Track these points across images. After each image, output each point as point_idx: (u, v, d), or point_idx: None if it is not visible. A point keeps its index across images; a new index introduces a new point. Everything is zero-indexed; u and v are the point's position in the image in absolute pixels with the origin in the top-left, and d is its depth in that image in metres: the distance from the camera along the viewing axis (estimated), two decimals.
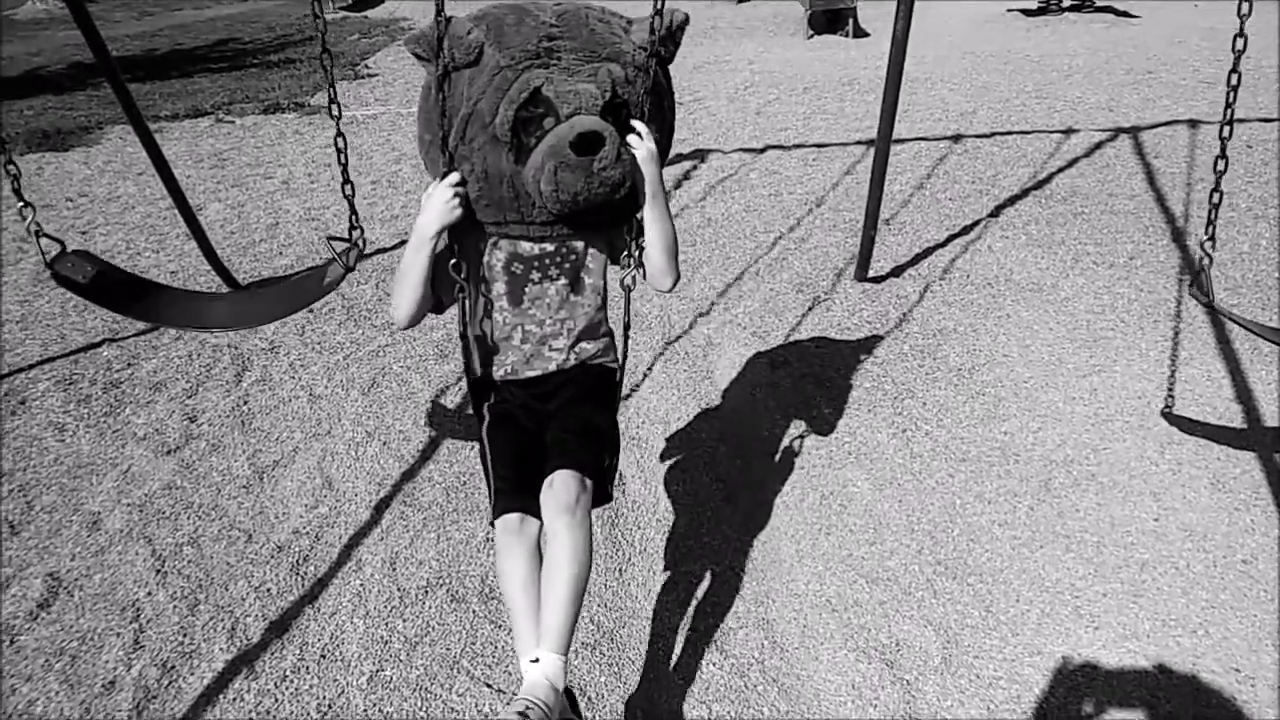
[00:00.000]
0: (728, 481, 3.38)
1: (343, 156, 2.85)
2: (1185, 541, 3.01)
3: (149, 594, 2.94)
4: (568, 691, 2.07)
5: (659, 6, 2.09)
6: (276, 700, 2.53)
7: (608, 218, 2.21)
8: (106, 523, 3.27)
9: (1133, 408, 3.67)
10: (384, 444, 3.65)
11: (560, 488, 2.09)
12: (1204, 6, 12.39)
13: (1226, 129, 2.98)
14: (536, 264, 2.23)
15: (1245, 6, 2.82)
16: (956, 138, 7.14)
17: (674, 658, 2.65)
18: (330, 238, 2.91)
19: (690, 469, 3.46)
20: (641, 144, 2.11)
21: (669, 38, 2.15)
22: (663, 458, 3.53)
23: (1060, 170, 6.34)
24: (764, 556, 3.03)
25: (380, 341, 4.44)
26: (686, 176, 6.70)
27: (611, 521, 3.19)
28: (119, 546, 3.15)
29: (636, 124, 2.11)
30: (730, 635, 2.72)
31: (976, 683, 2.53)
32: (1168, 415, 3.50)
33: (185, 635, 2.77)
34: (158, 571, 3.03)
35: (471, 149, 2.08)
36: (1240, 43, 2.86)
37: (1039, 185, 6.08)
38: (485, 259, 2.24)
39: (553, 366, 2.31)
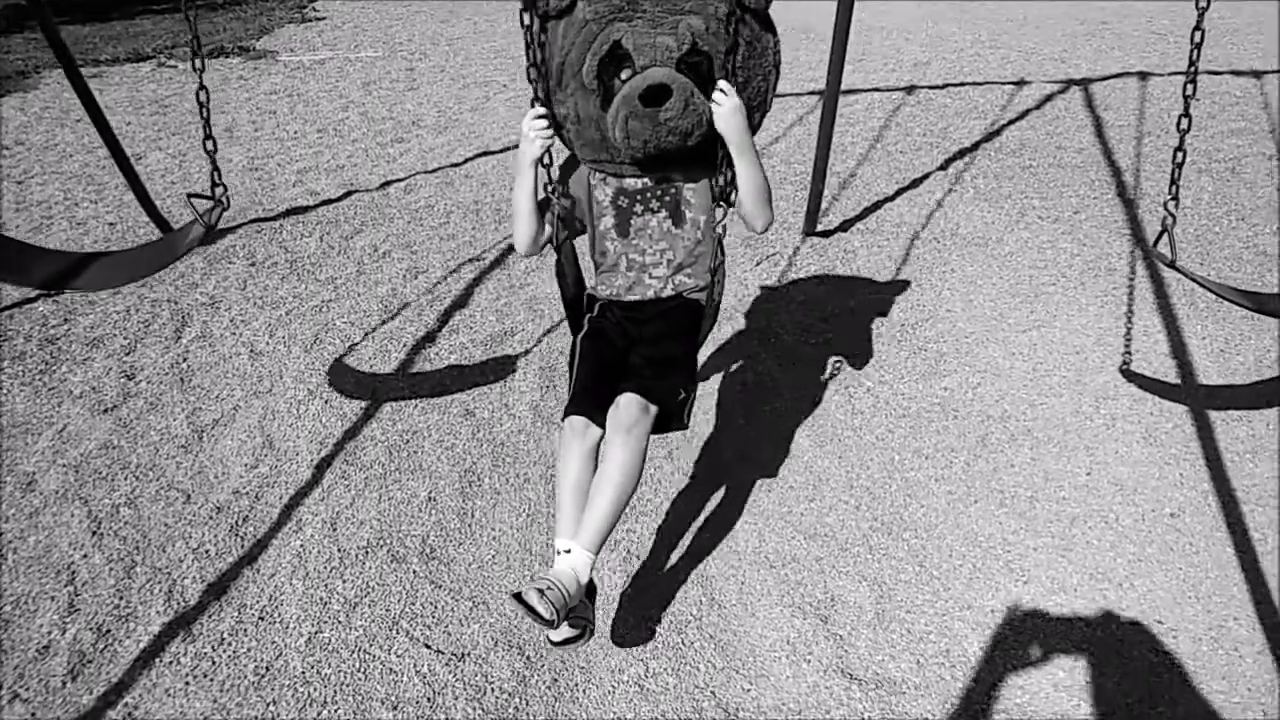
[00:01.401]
0: (671, 440, 3.39)
1: (204, 110, 2.85)
2: (1115, 495, 3.07)
3: (85, 556, 2.91)
4: (590, 587, 2.29)
5: None
6: (214, 663, 2.53)
7: (689, 162, 2.39)
8: (41, 483, 3.23)
9: (1070, 363, 3.72)
10: (326, 402, 3.62)
11: (624, 409, 2.29)
12: None
13: (1190, 86, 2.99)
14: (640, 198, 2.47)
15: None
16: (910, 89, 7.12)
17: (612, 616, 2.67)
18: (191, 195, 2.87)
19: None
20: (725, 99, 2.25)
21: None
22: None
23: (1011, 122, 6.35)
24: (704, 513, 3.06)
25: (324, 297, 4.38)
26: None
27: (553, 479, 3.19)
28: (54, 508, 3.12)
29: (721, 82, 2.25)
30: (669, 592, 2.75)
31: (908, 637, 2.58)
32: (1125, 372, 3.56)
33: (121, 598, 2.75)
34: (94, 533, 3.00)
35: (566, 94, 2.30)
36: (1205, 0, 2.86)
37: (989, 138, 6.09)
38: (594, 194, 2.49)
39: (651, 294, 2.54)
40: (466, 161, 6.09)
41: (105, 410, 3.61)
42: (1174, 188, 3.05)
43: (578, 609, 2.24)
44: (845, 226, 4.94)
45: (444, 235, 5.01)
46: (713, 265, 2.46)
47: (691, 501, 3.10)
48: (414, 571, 2.82)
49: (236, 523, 3.04)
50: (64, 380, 3.80)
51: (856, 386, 3.65)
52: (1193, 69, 2.93)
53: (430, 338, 4.05)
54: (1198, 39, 2.86)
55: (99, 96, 7.52)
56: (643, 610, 2.69)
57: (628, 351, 2.49)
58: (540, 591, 2.09)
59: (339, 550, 2.91)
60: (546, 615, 2.08)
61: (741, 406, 3.55)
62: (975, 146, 5.95)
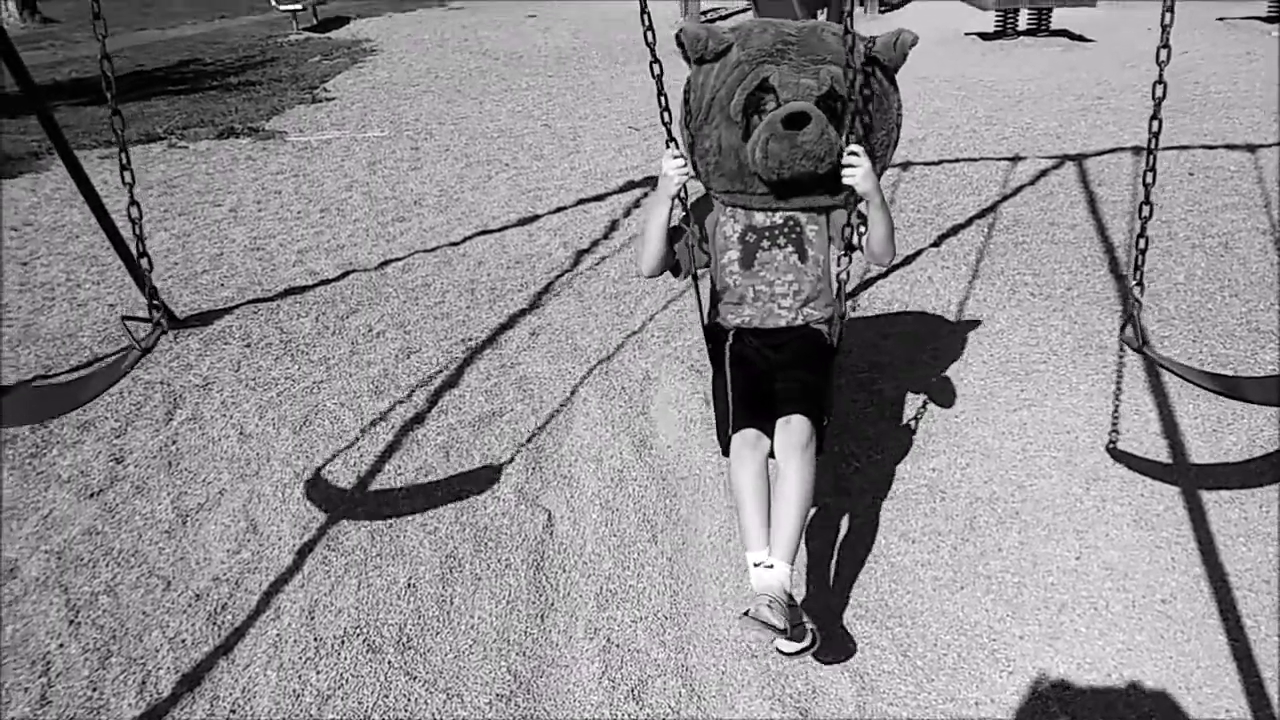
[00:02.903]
0: (655, 522, 3.37)
1: (137, 228, 2.84)
2: (1105, 580, 3.02)
3: (61, 646, 2.89)
4: (789, 596, 2.47)
5: (882, 35, 2.67)
6: None
7: (814, 193, 2.71)
8: (23, 570, 3.22)
9: (1060, 443, 3.69)
10: (312, 485, 3.61)
11: (796, 428, 2.56)
12: (1158, 30, 12.57)
13: (1150, 175, 3.01)
14: (767, 233, 2.80)
15: (1164, 54, 2.85)
16: (905, 165, 7.19)
17: (590, 709, 2.62)
18: (125, 318, 2.87)
19: (619, 509, 3.45)
20: (860, 160, 2.55)
21: (897, 54, 2.66)
22: (592, 498, 3.51)
23: (1005, 199, 6.40)
24: (688, 600, 3.02)
25: (316, 377, 4.41)
26: (637, 204, 6.71)
27: (536, 565, 3.17)
28: (34, 596, 3.10)
29: (853, 145, 2.56)
30: (649, 684, 2.70)
31: None
32: (1111, 450, 3.53)
33: (95, 689, 2.72)
34: (71, 622, 2.98)
35: (711, 126, 2.68)
36: (1160, 89, 2.89)
37: (983, 214, 6.13)
38: (720, 229, 2.84)
39: (783, 323, 2.87)
40: (465, 240, 6.16)
41: (91, 495, 3.61)
42: (1138, 273, 3.06)
43: (795, 619, 2.40)
44: None
45: (438, 314, 5.05)
46: (841, 311, 2.82)
47: (673, 586, 3.06)
48: (389, 662, 2.78)
49: (215, 610, 3.02)
50: (53, 464, 3.81)
51: (845, 466, 3.63)
52: (1151, 156, 2.96)
53: (419, 419, 4.05)
54: (1155, 127, 2.90)
55: (109, 177, 7.70)
56: (620, 704, 2.64)
57: (769, 375, 2.77)
58: (769, 605, 2.31)
59: (315, 639, 2.88)
60: (781, 625, 2.28)
61: (723, 486, 3.53)
62: (969, 223, 5.98)
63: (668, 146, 2.71)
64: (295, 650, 2.84)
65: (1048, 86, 9.91)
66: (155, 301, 2.84)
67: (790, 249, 2.81)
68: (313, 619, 2.96)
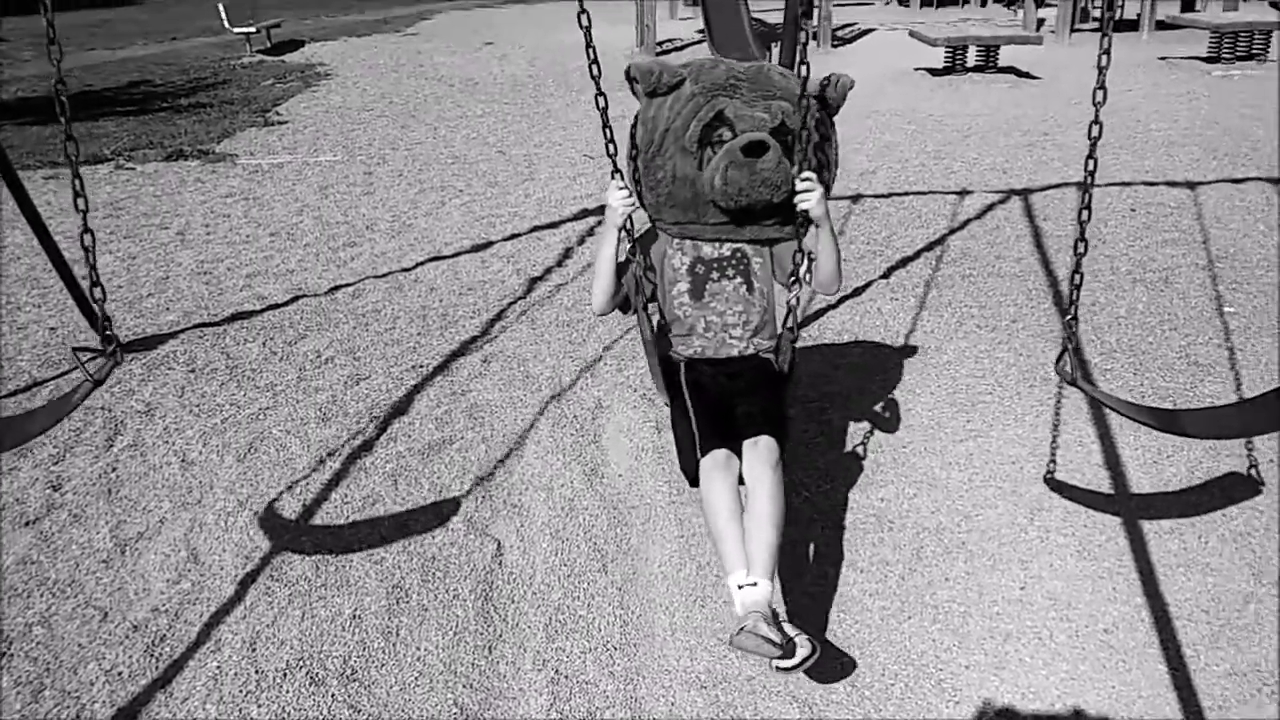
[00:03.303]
0: (605, 551, 3.35)
1: (90, 255, 2.79)
2: (1049, 610, 3.06)
3: None
4: (774, 612, 2.48)
5: (826, 77, 2.80)
6: None
7: (767, 222, 2.79)
8: None
9: (1005, 474, 3.74)
10: (255, 514, 3.55)
11: (765, 448, 2.61)
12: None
13: (1085, 213, 3.09)
14: (716, 265, 2.86)
15: (1100, 95, 2.93)
16: (856, 197, 7.30)
17: None
18: (76, 349, 2.79)
19: (569, 538, 3.43)
20: (815, 185, 2.66)
21: (838, 95, 2.79)
22: (542, 527, 3.49)
23: (953, 232, 6.51)
24: (637, 630, 3.00)
25: (262, 404, 4.34)
26: (591, 233, 6.73)
27: (485, 595, 3.13)
28: None
29: (806, 172, 2.67)
30: (597, 716, 2.67)
31: None
32: (1050, 481, 3.59)
33: None
34: (3, 654, 2.89)
35: (665, 157, 2.74)
36: (1095, 129, 2.96)
37: (931, 246, 6.23)
38: (669, 261, 2.88)
39: (735, 352, 2.91)
40: (417, 266, 6.13)
41: (27, 523, 3.52)
42: (1073, 308, 3.15)
43: (786, 635, 2.42)
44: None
45: (389, 340, 5.01)
46: (793, 339, 2.83)
47: (623, 616, 3.05)
48: (333, 695, 2.73)
49: (153, 642, 2.94)
50: None
51: (795, 495, 3.64)
52: (1087, 195, 3.06)
53: (367, 446, 4.01)
54: (1090, 166, 2.99)
55: (54, 198, 7.57)
56: None
57: (727, 400, 2.80)
58: (764, 621, 2.32)
59: (256, 672, 2.82)
60: (779, 640, 2.31)
61: (674, 515, 3.52)
62: (917, 255, 6.08)
63: (612, 179, 2.76)
64: (236, 683, 2.78)
65: (995, 122, 10.13)
66: (108, 332, 2.76)
67: (739, 280, 2.87)
68: (254, 651, 2.90)
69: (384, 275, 5.99)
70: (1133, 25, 17.09)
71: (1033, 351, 4.70)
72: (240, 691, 2.75)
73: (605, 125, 2.77)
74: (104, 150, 9.48)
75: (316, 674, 2.81)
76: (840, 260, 2.81)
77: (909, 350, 4.78)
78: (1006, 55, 13.65)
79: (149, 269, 6.14)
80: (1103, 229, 6.43)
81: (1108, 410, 4.08)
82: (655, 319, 3.00)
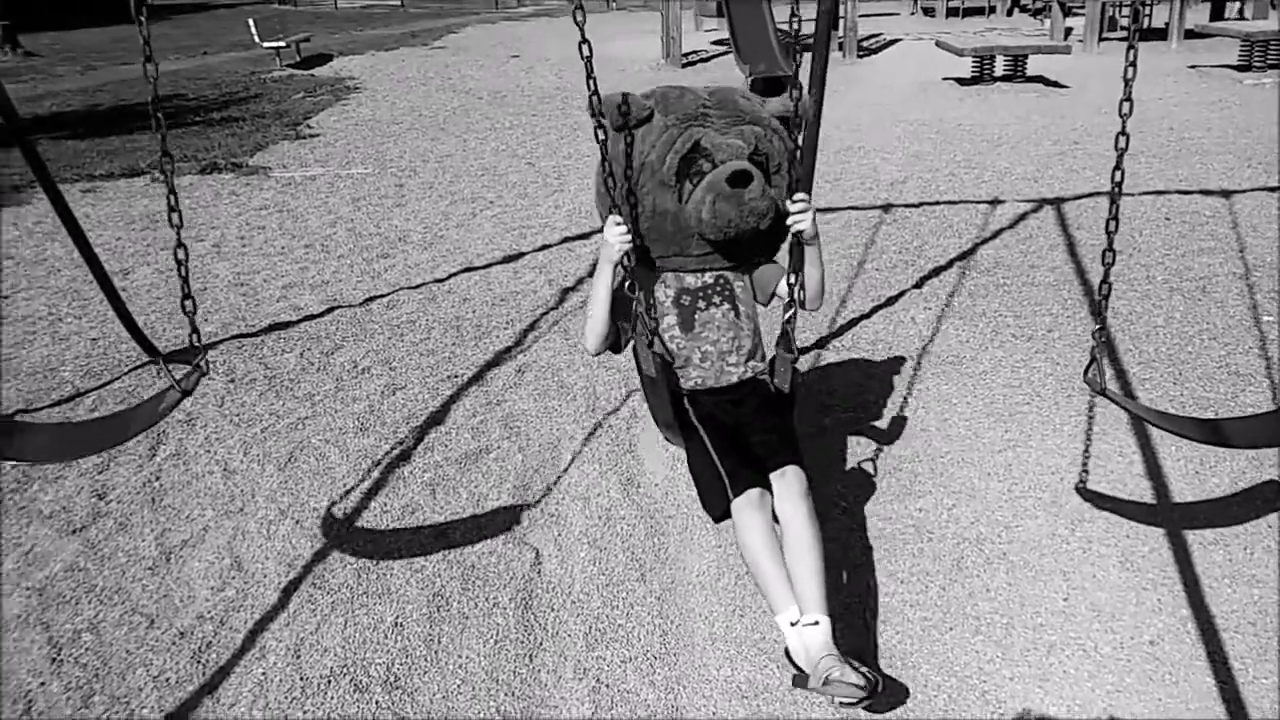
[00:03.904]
0: (643, 560, 3.36)
1: (183, 269, 2.81)
2: (1094, 622, 3.04)
3: (42, 684, 2.84)
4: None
5: (795, 95, 2.68)
6: None
7: (753, 249, 2.79)
8: (4, 607, 3.17)
9: (1046, 484, 3.72)
10: (297, 522, 3.59)
11: (793, 479, 2.59)
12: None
13: (1113, 223, 3.08)
14: (702, 294, 2.82)
15: (1126, 106, 2.92)
16: (887, 207, 7.29)
17: None
18: (165, 359, 2.82)
19: (607, 547, 3.44)
20: (808, 204, 2.65)
21: (800, 116, 2.72)
22: (580, 536, 3.50)
23: (985, 241, 6.49)
24: (677, 640, 3.00)
25: (300, 413, 4.39)
26: None
27: (524, 604, 3.15)
28: (15, 633, 3.05)
29: (799, 193, 2.66)
30: None
31: None
32: (1081, 490, 3.57)
33: None
34: (53, 660, 2.93)
35: (642, 193, 2.70)
36: (1122, 140, 2.95)
37: (964, 256, 6.21)
38: (655, 297, 2.82)
39: (735, 378, 2.86)
40: (450, 277, 6.17)
41: (74, 531, 3.56)
42: (1100, 318, 3.13)
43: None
44: (821, 344, 4.99)
45: (424, 351, 5.05)
46: (793, 358, 2.78)
47: (662, 626, 3.05)
48: (377, 702, 2.75)
49: (199, 649, 2.98)
50: (34, 499, 3.76)
51: (831, 507, 3.64)
52: (1114, 205, 3.05)
53: (405, 456, 4.04)
54: (1118, 177, 2.97)
55: (92, 210, 7.69)
56: None
57: (739, 430, 2.75)
58: (846, 664, 2.31)
59: (301, 679, 2.84)
60: (865, 683, 2.27)
61: (711, 527, 3.53)
62: (950, 264, 6.06)
63: (610, 213, 2.65)
64: (281, 690, 2.80)
65: (1025, 131, 10.09)
66: (197, 344, 2.80)
67: (727, 306, 2.84)
68: (299, 658, 2.93)
69: (418, 286, 6.03)
70: (1161, 34, 17.00)
71: (1070, 361, 4.68)
72: (286, 698, 2.77)
73: (604, 158, 2.64)
74: (140, 163, 9.60)
75: (360, 681, 2.83)
76: (825, 275, 2.83)
77: (944, 360, 4.76)
78: (1035, 64, 13.60)
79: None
80: (1137, 238, 6.39)
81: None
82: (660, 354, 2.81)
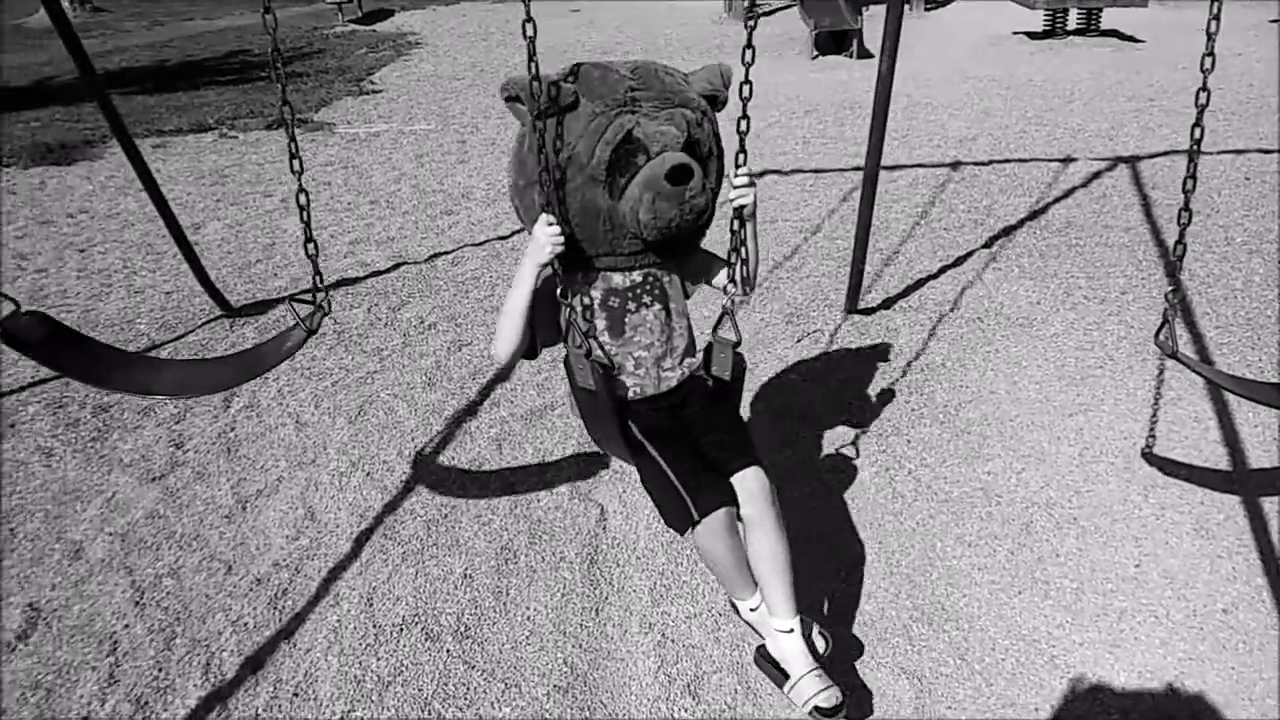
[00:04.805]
0: None
1: (305, 214, 2.82)
2: (1166, 589, 2.99)
3: (126, 626, 2.95)
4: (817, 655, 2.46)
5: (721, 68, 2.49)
6: None
7: (687, 242, 2.53)
8: (88, 552, 3.28)
9: (1118, 449, 3.66)
10: (368, 474, 3.66)
11: (754, 482, 2.45)
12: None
13: (1190, 181, 2.98)
14: (630, 294, 2.48)
15: (1209, 62, 2.81)
16: (955, 165, 7.14)
17: (647, 704, 2.64)
18: (292, 298, 2.87)
19: None
20: (752, 182, 2.45)
21: (724, 88, 2.49)
22: (644, 493, 3.51)
23: (1057, 200, 6.33)
24: None
25: (369, 368, 4.45)
26: None
27: (590, 559, 3.19)
28: (99, 577, 3.16)
29: (741, 167, 2.42)
30: (704, 680, 2.72)
31: None
32: (1148, 455, 3.49)
33: (161, 670, 2.78)
34: (136, 603, 3.04)
35: (570, 188, 2.33)
36: (1203, 96, 2.85)
37: (1034, 215, 6.08)
38: (582, 300, 2.48)
39: (674, 381, 2.57)
40: (513, 234, 6.19)
41: (153, 479, 3.67)
42: (1173, 280, 3.02)
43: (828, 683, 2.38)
44: (888, 304, 4.93)
45: (489, 308, 5.08)
46: (736, 343, 2.54)
47: None
48: (448, 650, 2.82)
49: (276, 595, 3.06)
50: (115, 448, 3.88)
51: (897, 469, 3.62)
52: (1192, 164, 2.92)
53: (471, 410, 4.09)
54: (1197, 134, 2.84)
55: (162, 165, 7.83)
56: (677, 699, 2.65)
57: (688, 437, 2.55)
58: (828, 690, 2.31)
59: (374, 627, 2.91)
60: (839, 701, 2.30)
61: (778, 487, 3.52)
62: (1020, 224, 5.93)
63: (544, 211, 2.30)
64: (355, 636, 2.88)
65: (1098, 87, 9.80)
66: (320, 286, 2.87)
67: (658, 306, 2.50)
68: (372, 606, 3.00)
69: (481, 243, 6.06)
70: None
71: (1144, 324, 4.57)
72: (360, 644, 2.84)
73: (540, 149, 2.29)
74: (208, 119, 9.74)
75: (431, 630, 2.89)
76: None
77: (1014, 321, 4.68)
78: (1109, 18, 13.15)
79: (255, 235, 6.32)
80: (1216, 198, 6.20)
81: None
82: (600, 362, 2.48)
